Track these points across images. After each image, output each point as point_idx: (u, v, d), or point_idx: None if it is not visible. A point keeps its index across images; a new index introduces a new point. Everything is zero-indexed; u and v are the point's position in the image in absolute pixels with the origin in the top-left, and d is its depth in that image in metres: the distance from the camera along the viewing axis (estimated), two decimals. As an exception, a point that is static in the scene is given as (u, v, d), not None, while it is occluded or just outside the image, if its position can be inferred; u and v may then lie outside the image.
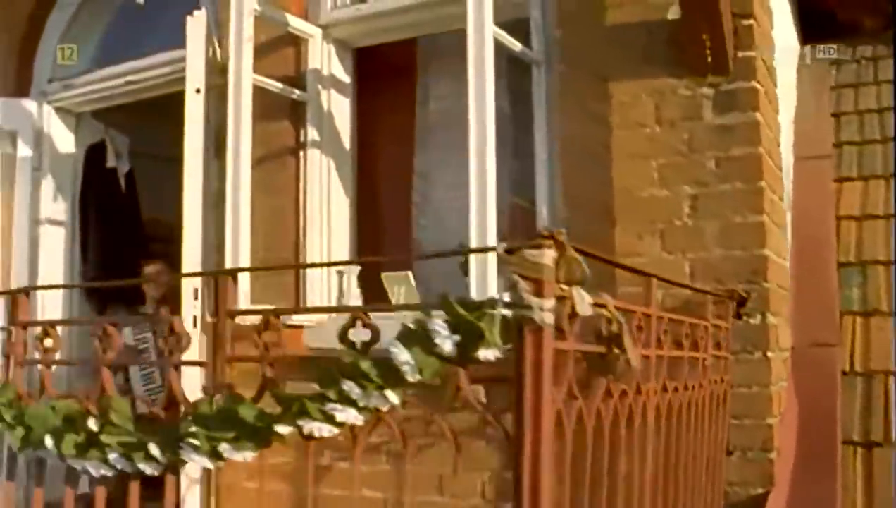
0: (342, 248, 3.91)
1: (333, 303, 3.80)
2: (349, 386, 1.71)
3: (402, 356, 1.66)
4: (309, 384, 2.11)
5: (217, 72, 3.83)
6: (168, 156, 5.62)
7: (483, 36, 3.03)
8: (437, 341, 1.65)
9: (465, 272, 3.72)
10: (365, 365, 1.69)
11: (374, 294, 3.80)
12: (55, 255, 4.57)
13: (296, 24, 3.76)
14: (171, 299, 4.64)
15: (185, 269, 3.61)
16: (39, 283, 4.45)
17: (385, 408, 1.75)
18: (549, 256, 1.63)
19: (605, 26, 3.26)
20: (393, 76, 4.14)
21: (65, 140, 4.67)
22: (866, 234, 3.68)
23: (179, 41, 4.09)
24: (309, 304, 3.75)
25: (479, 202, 2.99)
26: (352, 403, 1.73)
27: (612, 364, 1.94)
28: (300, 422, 1.79)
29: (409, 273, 3.74)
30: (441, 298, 1.71)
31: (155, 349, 4.57)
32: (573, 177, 3.30)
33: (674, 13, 3.14)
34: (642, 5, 3.21)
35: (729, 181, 3.03)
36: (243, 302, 3.35)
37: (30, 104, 4.56)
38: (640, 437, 2.14)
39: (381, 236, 4.10)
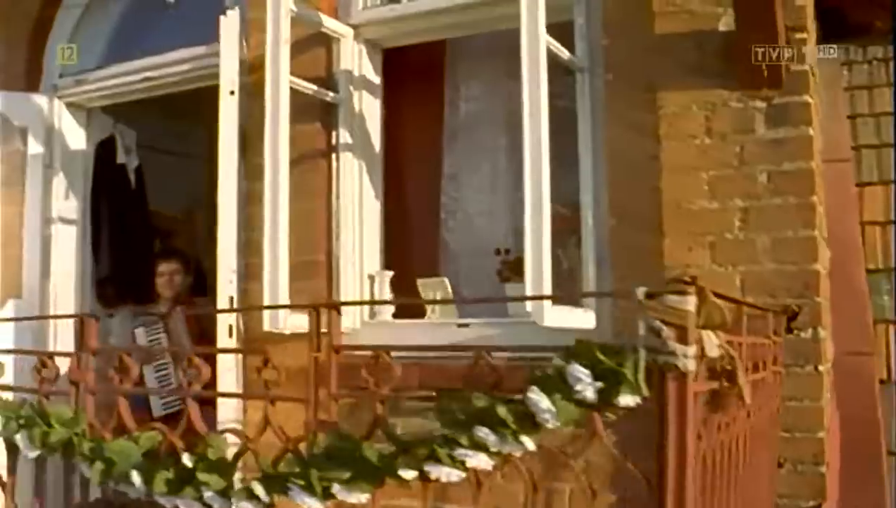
0: (374, 251, 3.85)
1: (366, 309, 3.75)
2: (484, 432, 1.67)
3: (543, 403, 1.62)
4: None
5: (244, 71, 3.72)
6: (168, 149, 5.54)
7: (538, 45, 2.98)
8: (577, 387, 1.62)
9: (503, 279, 3.71)
10: (501, 411, 1.65)
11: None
12: (67, 254, 4.40)
13: (329, 24, 3.66)
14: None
15: (220, 273, 3.51)
16: (52, 283, 4.33)
17: (518, 454, 1.72)
18: (692, 302, 1.62)
19: (654, 35, 3.23)
20: (421, 77, 4.07)
21: (76, 136, 4.48)
22: (891, 239, 3.71)
23: (196, 39, 4.00)
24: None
25: (533, 211, 2.93)
26: (484, 448, 1.69)
27: (724, 400, 1.94)
28: (427, 467, 1.74)
29: (445, 279, 3.71)
30: (578, 343, 1.68)
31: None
32: (619, 186, 3.27)
33: (725, 24, 3.12)
34: (692, 15, 3.18)
35: (781, 195, 3.03)
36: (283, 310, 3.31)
37: (40, 99, 4.37)
38: (734, 465, 2.15)
39: (409, 238, 4.04)
